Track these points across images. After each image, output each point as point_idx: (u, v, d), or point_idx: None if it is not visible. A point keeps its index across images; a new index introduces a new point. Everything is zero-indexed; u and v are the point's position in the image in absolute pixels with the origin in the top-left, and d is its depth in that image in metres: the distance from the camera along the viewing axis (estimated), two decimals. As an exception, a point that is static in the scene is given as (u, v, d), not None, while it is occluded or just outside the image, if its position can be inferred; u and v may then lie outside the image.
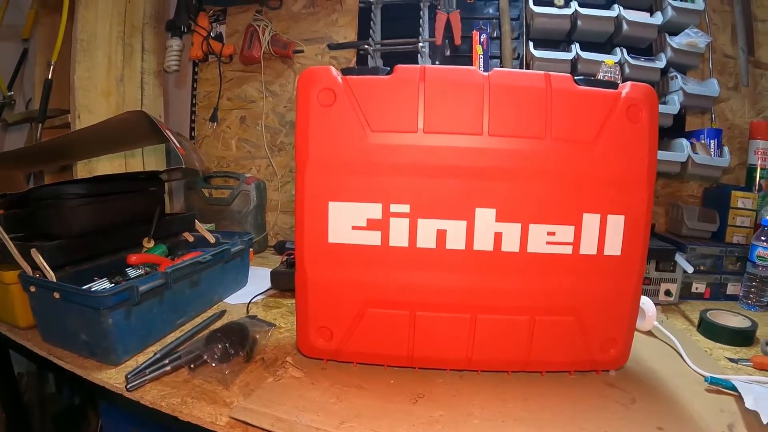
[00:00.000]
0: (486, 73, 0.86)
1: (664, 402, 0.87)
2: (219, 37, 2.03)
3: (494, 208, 0.86)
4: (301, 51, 1.93)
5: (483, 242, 0.87)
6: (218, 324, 1.11)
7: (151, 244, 1.29)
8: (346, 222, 0.88)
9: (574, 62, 1.54)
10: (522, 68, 1.67)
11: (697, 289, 1.49)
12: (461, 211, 0.86)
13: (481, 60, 1.61)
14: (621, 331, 0.93)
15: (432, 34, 1.69)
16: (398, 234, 0.88)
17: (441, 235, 0.87)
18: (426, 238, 0.88)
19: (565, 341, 0.92)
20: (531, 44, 1.60)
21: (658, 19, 1.56)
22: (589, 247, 0.88)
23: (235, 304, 1.29)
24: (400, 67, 0.87)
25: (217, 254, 1.24)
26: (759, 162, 1.66)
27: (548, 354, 0.93)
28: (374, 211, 0.87)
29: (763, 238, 1.38)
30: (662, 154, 1.50)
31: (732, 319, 1.23)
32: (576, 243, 0.87)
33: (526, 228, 0.86)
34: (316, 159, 0.87)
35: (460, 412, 0.81)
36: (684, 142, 1.51)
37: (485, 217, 0.86)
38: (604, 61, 1.29)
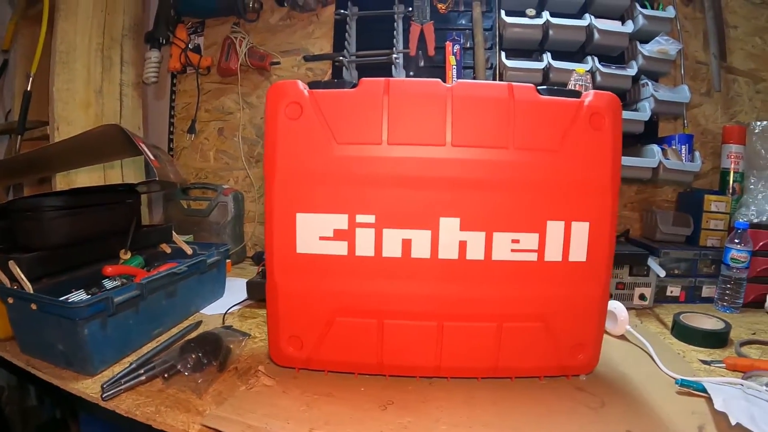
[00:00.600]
0: (449, 85, 0.87)
1: (634, 405, 0.88)
2: (197, 49, 2.04)
3: (458, 217, 0.87)
4: (278, 63, 1.94)
5: (448, 251, 0.88)
6: (194, 334, 1.11)
7: (128, 255, 1.29)
8: (314, 233, 0.89)
9: (546, 71, 1.56)
10: (495, 78, 1.70)
11: (672, 292, 1.51)
12: (426, 220, 0.88)
13: (454, 70, 1.63)
14: (589, 335, 0.94)
15: (406, 45, 1.71)
16: (364, 244, 0.89)
17: (406, 244, 0.88)
18: (391, 248, 0.89)
19: (534, 347, 0.93)
20: (503, 54, 1.62)
21: (629, 27, 1.59)
22: (553, 253, 0.89)
23: (211, 315, 1.30)
24: (365, 80, 0.89)
25: (192, 265, 1.24)
26: (732, 165, 1.69)
27: (517, 360, 0.94)
28: (341, 221, 0.89)
29: (736, 240, 1.40)
30: (634, 160, 1.52)
31: (705, 321, 1.24)
32: (541, 250, 0.89)
33: (490, 236, 0.88)
34: (283, 171, 0.88)
35: (429, 418, 0.82)
36: (655, 148, 1.53)
37: (449, 226, 0.87)
38: (575, 70, 1.32)
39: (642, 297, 1.43)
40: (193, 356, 0.92)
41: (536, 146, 0.87)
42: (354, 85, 0.89)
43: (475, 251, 0.88)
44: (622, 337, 1.21)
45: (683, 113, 1.67)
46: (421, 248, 0.88)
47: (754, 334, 1.26)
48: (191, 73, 2.06)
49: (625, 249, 1.46)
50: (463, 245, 0.88)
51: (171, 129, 2.14)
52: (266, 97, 0.89)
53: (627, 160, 1.51)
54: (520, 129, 0.86)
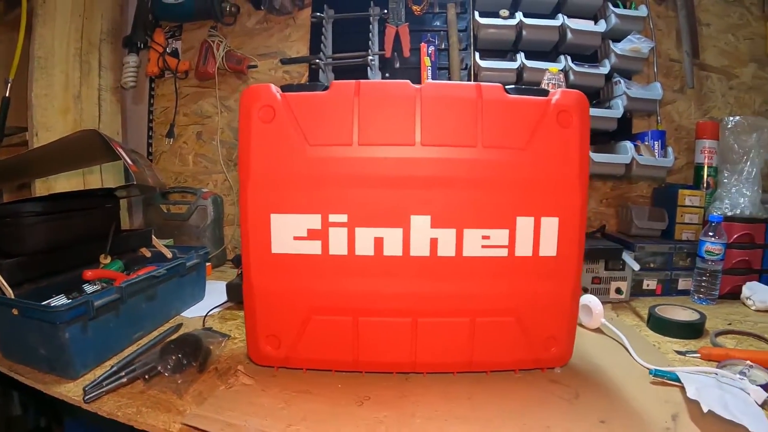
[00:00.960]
0: (418, 86, 0.89)
1: (607, 396, 0.90)
2: (175, 53, 2.04)
3: (429, 215, 0.89)
4: (255, 66, 1.95)
5: (419, 248, 0.90)
6: (174, 336, 1.12)
7: (108, 260, 1.30)
8: (288, 233, 0.91)
9: (520, 71, 1.59)
10: (470, 79, 1.71)
11: (648, 285, 1.54)
12: (397, 219, 0.89)
13: (430, 71, 1.65)
14: (561, 329, 0.96)
15: (381, 47, 1.72)
16: (337, 243, 0.91)
17: (378, 242, 0.90)
18: (364, 246, 0.90)
19: (507, 341, 0.95)
20: (477, 55, 1.64)
21: (601, 26, 1.61)
22: (524, 249, 0.91)
23: (192, 318, 1.30)
24: (335, 82, 0.91)
25: (171, 269, 1.25)
26: (706, 160, 1.72)
27: (491, 354, 0.95)
28: (314, 221, 0.90)
29: (710, 233, 1.43)
30: (607, 157, 1.55)
31: (681, 313, 1.27)
32: (511, 246, 0.91)
33: (460, 233, 0.90)
34: (257, 173, 0.90)
35: (405, 413, 0.84)
36: (628, 144, 1.56)
37: (420, 224, 0.89)
38: (548, 69, 1.34)
39: (618, 291, 1.45)
40: (174, 358, 0.92)
41: (504, 144, 0.89)
42: (326, 88, 0.90)
43: (447, 248, 0.90)
44: (598, 330, 1.23)
45: (656, 110, 1.70)
46: (393, 246, 0.90)
47: (729, 324, 1.28)
48: (169, 77, 2.06)
49: (600, 244, 1.48)
50: (434, 242, 0.90)
51: (150, 133, 2.13)
52: (240, 100, 0.91)
53: (600, 157, 1.54)
54: (488, 127, 0.88)
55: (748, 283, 1.49)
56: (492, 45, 1.72)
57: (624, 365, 1.03)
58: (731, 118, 1.64)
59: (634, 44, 1.57)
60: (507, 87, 0.90)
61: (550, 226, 0.91)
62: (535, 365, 0.98)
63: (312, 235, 0.91)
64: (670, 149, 1.60)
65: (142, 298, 1.15)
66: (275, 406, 0.85)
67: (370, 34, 1.74)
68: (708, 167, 1.72)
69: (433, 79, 1.66)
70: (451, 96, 0.89)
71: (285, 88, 0.90)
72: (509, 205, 0.90)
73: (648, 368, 0.98)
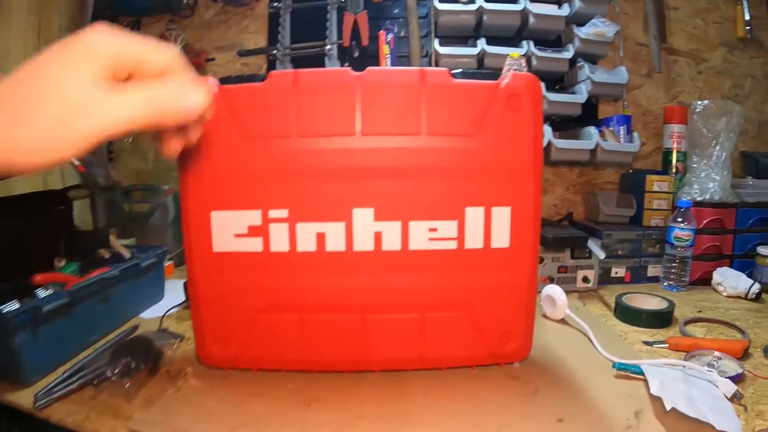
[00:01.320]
0: (358, 73, 0.84)
1: (568, 391, 0.86)
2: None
3: (372, 207, 0.84)
4: (213, 59, 1.88)
5: (363, 242, 0.85)
6: (127, 339, 1.07)
7: (62, 263, 1.24)
8: (229, 230, 0.86)
9: (481, 57, 1.52)
10: (431, 65, 1.65)
11: (617, 273, 1.50)
12: (339, 212, 0.84)
13: (389, 60, 1.59)
14: (518, 323, 0.91)
15: (340, 36, 1.66)
16: (278, 239, 0.86)
17: (320, 237, 0.85)
18: (305, 242, 0.85)
19: (460, 336, 0.90)
20: (437, 41, 1.58)
21: (565, 10, 1.56)
22: (474, 240, 0.86)
23: (149, 318, 1.25)
24: (273, 73, 0.85)
25: (125, 270, 1.19)
26: (674, 145, 1.69)
27: (444, 350, 0.91)
28: (254, 217, 0.85)
29: (679, 219, 1.40)
30: (571, 143, 1.50)
31: (649, 301, 1.23)
32: (460, 238, 0.86)
33: (406, 226, 0.84)
34: (196, 170, 0.85)
35: (352, 414, 0.79)
36: (592, 130, 1.51)
37: (363, 218, 0.84)
38: (509, 54, 1.29)
39: (585, 279, 1.41)
40: (123, 361, 0.89)
41: (451, 131, 0.84)
42: (263, 79, 0.85)
43: (392, 242, 0.85)
44: (563, 321, 1.19)
45: (623, 95, 1.66)
46: (335, 241, 0.85)
47: (699, 311, 1.25)
48: (128, 73, 1.99)
49: (565, 232, 1.44)
50: (378, 236, 0.85)
51: (110, 131, 2.06)
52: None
53: (564, 143, 1.49)
54: (433, 114, 0.83)
55: (718, 269, 1.46)
56: (453, 31, 1.65)
57: (587, 358, 0.99)
58: (700, 102, 1.60)
59: (599, 28, 1.52)
60: (454, 71, 0.85)
61: (502, 216, 0.86)
62: (492, 361, 0.93)
63: (252, 231, 0.86)
64: (635, 134, 1.56)
65: (96, 301, 1.09)
66: (222, 409, 0.81)
67: (328, 23, 1.68)
68: (677, 152, 1.69)
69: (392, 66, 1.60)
70: (392, 82, 0.84)
71: (223, 81, 0.85)
72: (457, 195, 0.85)
73: (612, 361, 0.94)
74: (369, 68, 0.85)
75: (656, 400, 0.80)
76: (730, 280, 1.40)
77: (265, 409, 0.81)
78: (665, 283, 1.46)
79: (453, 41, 1.63)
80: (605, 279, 1.49)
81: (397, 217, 0.84)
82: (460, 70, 0.86)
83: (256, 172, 0.84)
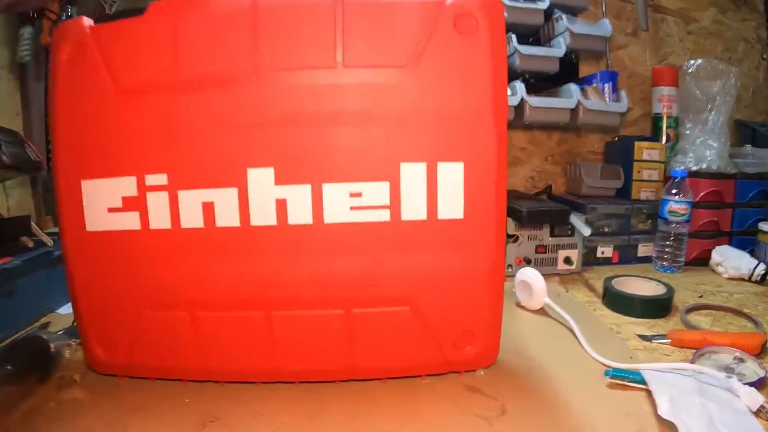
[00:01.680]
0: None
1: (546, 410, 0.63)
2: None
3: (271, 166, 0.59)
4: None
5: (261, 215, 0.61)
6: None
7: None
8: (102, 203, 0.64)
9: None
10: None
11: (603, 253, 1.27)
12: (229, 175, 0.60)
13: None
14: (480, 319, 0.68)
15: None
16: (158, 213, 0.62)
17: (208, 209, 0.61)
18: (190, 216, 0.62)
19: (401, 338, 0.66)
20: None
21: (539, -46, 1.29)
22: (413, 210, 0.62)
23: (65, 314, 1.02)
24: (154, 3, 0.62)
25: (32, 259, 0.98)
26: (664, 110, 1.47)
27: (380, 356, 0.67)
28: (128, 186, 0.62)
29: (674, 191, 1.19)
30: (547, 101, 1.25)
31: (643, 285, 1.01)
32: (394, 205, 0.61)
33: (318, 190, 0.60)
34: (64, 131, 0.64)
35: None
36: (573, 87, 1.25)
37: (260, 180, 0.60)
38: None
39: (567, 260, 1.17)
40: (8, 368, 0.69)
41: (377, 62, 0.59)
42: (143, 11, 0.61)
43: (300, 213, 0.60)
44: (541, 311, 0.95)
45: (606, 51, 1.40)
46: (226, 213, 0.61)
47: (701, 297, 1.04)
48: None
49: (543, 206, 1.19)
50: (281, 205, 0.60)
51: (46, 110, 1.80)
52: (51, 41, 0.65)
53: (540, 101, 1.23)
54: (353, 41, 0.59)
55: (717, 248, 1.24)
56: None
57: (572, 360, 0.76)
58: (693, 62, 1.38)
59: (578, -27, 1.26)
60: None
61: (452, 175, 0.61)
62: (447, 368, 0.70)
63: (128, 204, 0.63)
64: (623, 93, 1.31)
65: None
66: (100, 428, 0.61)
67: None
68: (667, 117, 1.47)
69: None
70: (300, 2, 0.58)
71: (99, 19, 0.63)
72: (388, 148, 0.60)
73: (604, 365, 0.72)
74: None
75: (664, 421, 0.57)
76: (731, 260, 1.18)
77: (150, 429, 0.60)
78: (658, 264, 1.24)
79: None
80: (590, 260, 1.26)
81: (305, 178, 0.60)
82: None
83: (127, 129, 0.62)
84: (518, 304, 0.97)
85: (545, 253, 1.16)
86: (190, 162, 0.60)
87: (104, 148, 0.62)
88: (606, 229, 1.26)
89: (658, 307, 0.93)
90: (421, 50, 0.59)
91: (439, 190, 0.61)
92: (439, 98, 0.60)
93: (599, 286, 1.06)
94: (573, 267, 1.18)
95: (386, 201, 0.60)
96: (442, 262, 0.63)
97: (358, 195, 0.60)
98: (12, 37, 1.61)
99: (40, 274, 1.00)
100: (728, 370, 0.67)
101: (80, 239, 0.65)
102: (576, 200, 1.31)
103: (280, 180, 0.59)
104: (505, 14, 1.18)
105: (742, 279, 1.15)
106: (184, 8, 0.60)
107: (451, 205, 0.62)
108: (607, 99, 1.30)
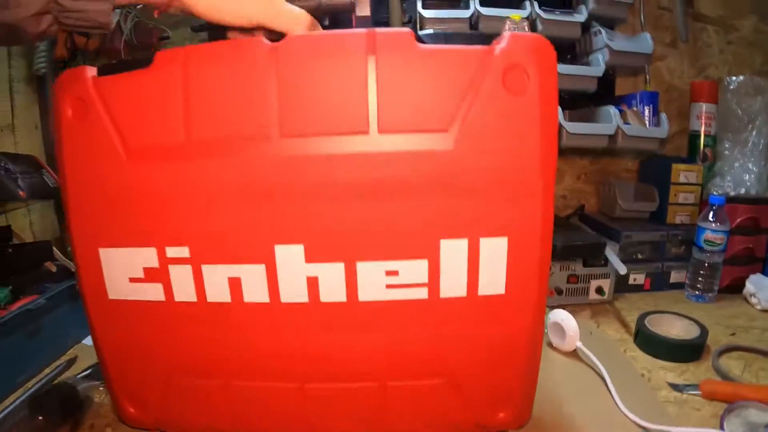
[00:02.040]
0: (274, 44, 0.52)
1: None
2: (86, 32, 1.63)
3: (301, 243, 0.54)
4: (168, 37, 1.51)
5: (292, 291, 0.55)
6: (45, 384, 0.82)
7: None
8: (122, 273, 0.58)
9: (474, 20, 1.15)
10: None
11: (635, 280, 1.19)
12: (255, 250, 0.54)
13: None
14: (514, 387, 0.62)
15: (308, 1, 1.31)
16: (182, 286, 0.57)
17: (234, 284, 0.56)
18: (216, 290, 0.56)
19: (435, 409, 0.62)
20: (420, 3, 1.20)
21: (576, -36, 1.19)
22: (453, 287, 0.56)
23: (91, 346, 0.97)
24: (161, 52, 0.55)
25: (58, 294, 0.93)
26: (703, 128, 1.36)
27: (413, 422, 0.62)
28: (149, 257, 0.57)
29: (711, 218, 1.10)
30: (585, 127, 1.15)
31: (676, 324, 0.94)
32: (433, 283, 0.55)
33: (352, 268, 0.54)
34: (75, 194, 0.57)
35: None
36: (612, 110, 1.15)
37: (289, 258, 0.54)
38: (509, 17, 0.96)
39: (599, 291, 1.10)
40: (40, 419, 0.67)
41: (416, 126, 0.52)
42: (150, 62, 0.54)
43: (332, 291, 0.55)
44: (574, 353, 0.88)
45: (645, 67, 1.30)
46: (255, 289, 0.56)
47: (733, 334, 0.96)
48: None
49: (577, 238, 1.11)
50: (312, 283, 0.55)
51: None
52: (53, 91, 0.58)
53: (578, 127, 1.13)
54: (387, 101, 0.52)
55: (751, 277, 1.15)
56: (440, -9, 1.28)
57: (604, 416, 0.70)
58: (734, 78, 1.29)
59: (617, -15, 1.16)
60: (421, 33, 0.52)
61: (495, 251, 0.55)
62: (479, 431, 0.63)
63: (150, 275, 0.57)
64: (663, 116, 1.21)
65: (22, 336, 0.84)
66: None
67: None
68: (705, 136, 1.36)
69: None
70: (323, 54, 0.52)
71: (103, 70, 0.56)
72: (427, 223, 0.54)
73: (636, 423, 0.66)
74: (290, 35, 0.52)
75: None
76: (764, 291, 1.10)
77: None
78: (690, 293, 1.16)
79: (441, 3, 1.25)
80: (622, 287, 1.18)
81: (337, 256, 0.54)
82: (430, 31, 0.52)
83: (141, 195, 0.55)
84: (550, 345, 0.91)
85: (577, 282, 1.09)
86: (211, 235, 0.55)
87: (119, 216, 0.56)
88: (639, 256, 1.18)
89: (690, 351, 0.87)
90: (467, 110, 0.52)
91: (481, 266, 0.55)
92: (483, 166, 0.53)
93: (631, 319, 1.00)
94: (605, 297, 1.11)
95: (424, 279, 0.55)
96: (480, 335, 0.58)
97: (395, 273, 0.54)
98: (29, 48, 1.55)
99: (65, 308, 0.96)
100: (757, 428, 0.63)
101: (103, 307, 0.60)
102: (609, 223, 1.24)
103: (310, 258, 0.54)
104: (540, 28, 1.11)
105: (775, 311, 1.08)
106: (194, 59, 0.54)
107: (493, 281, 0.56)
108: (647, 123, 1.21)
